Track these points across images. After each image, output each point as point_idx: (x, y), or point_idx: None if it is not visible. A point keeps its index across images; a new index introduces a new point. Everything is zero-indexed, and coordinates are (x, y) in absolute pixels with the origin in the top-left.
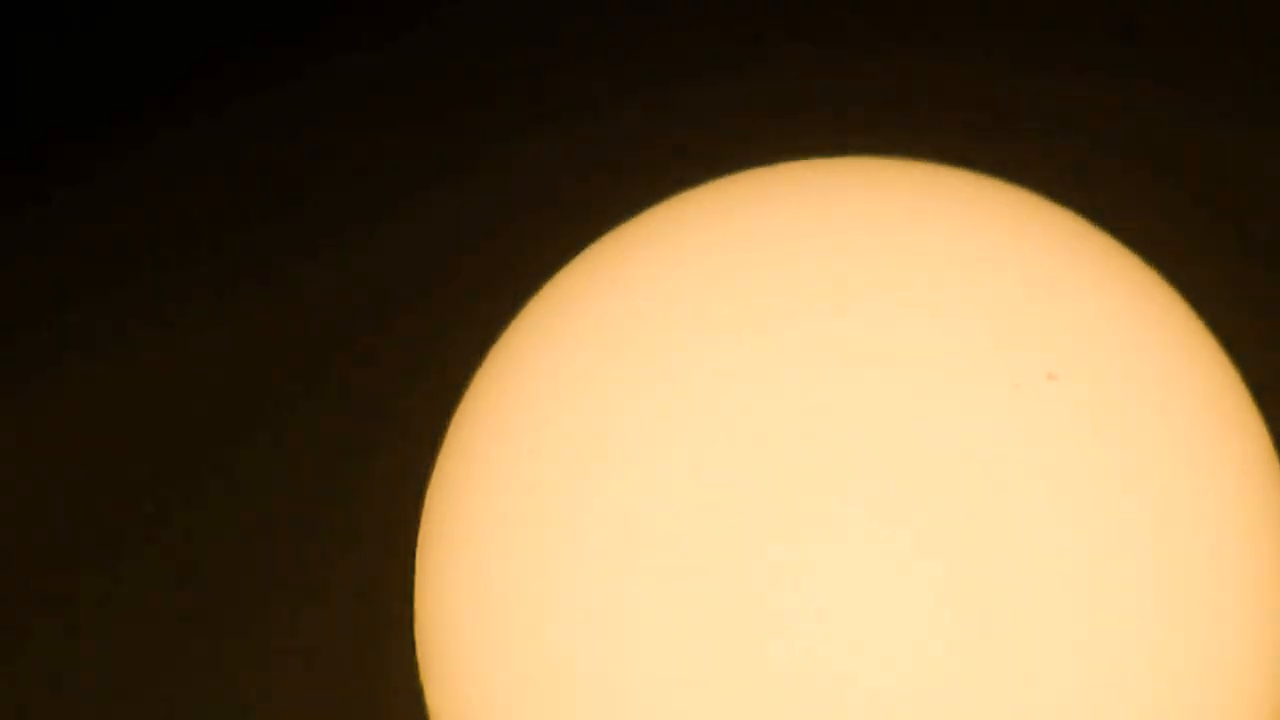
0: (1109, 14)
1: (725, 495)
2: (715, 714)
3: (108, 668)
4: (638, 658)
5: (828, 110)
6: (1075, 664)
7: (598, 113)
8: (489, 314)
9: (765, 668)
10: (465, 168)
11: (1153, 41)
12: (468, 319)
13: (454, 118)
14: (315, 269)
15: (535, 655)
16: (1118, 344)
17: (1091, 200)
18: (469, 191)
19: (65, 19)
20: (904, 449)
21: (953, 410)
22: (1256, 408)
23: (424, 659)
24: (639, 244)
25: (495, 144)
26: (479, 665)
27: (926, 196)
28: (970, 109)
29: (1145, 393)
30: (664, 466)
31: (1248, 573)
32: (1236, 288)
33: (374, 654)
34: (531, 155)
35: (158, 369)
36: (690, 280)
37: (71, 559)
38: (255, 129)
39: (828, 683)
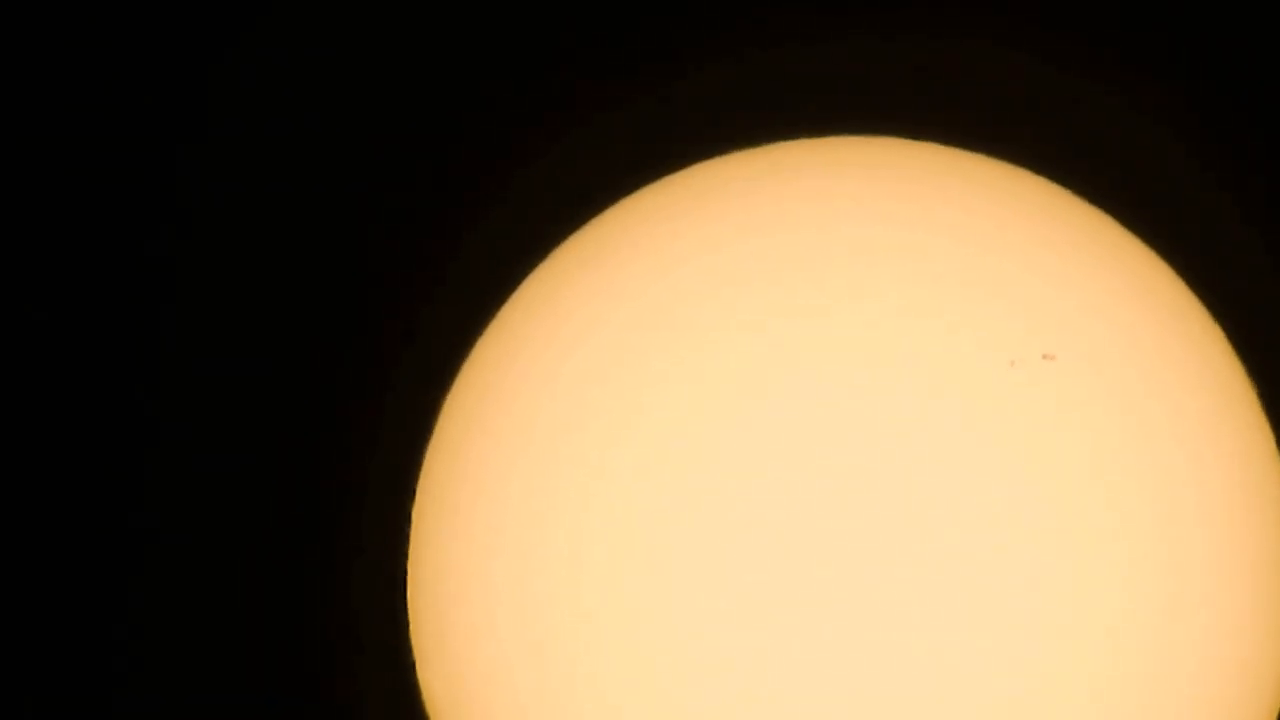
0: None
1: (721, 482)
2: (716, 712)
3: (98, 666)
4: (630, 649)
5: (826, 90)
6: (1065, 650)
7: (592, 95)
8: (475, 306)
9: (759, 658)
10: (448, 156)
11: (1157, 25)
12: (453, 311)
13: (436, 108)
14: (298, 262)
15: (527, 644)
16: (1116, 325)
17: (1094, 183)
18: (449, 182)
19: None
20: (900, 428)
21: (948, 387)
22: (1254, 392)
23: (419, 650)
24: (629, 229)
25: (479, 130)
26: (472, 655)
27: (926, 177)
28: (972, 90)
29: (1141, 374)
30: (657, 454)
31: (1244, 560)
32: (1236, 274)
33: (365, 645)
34: (516, 140)
35: (150, 366)
36: (686, 261)
37: (61, 556)
38: (240, 123)
39: (823, 667)
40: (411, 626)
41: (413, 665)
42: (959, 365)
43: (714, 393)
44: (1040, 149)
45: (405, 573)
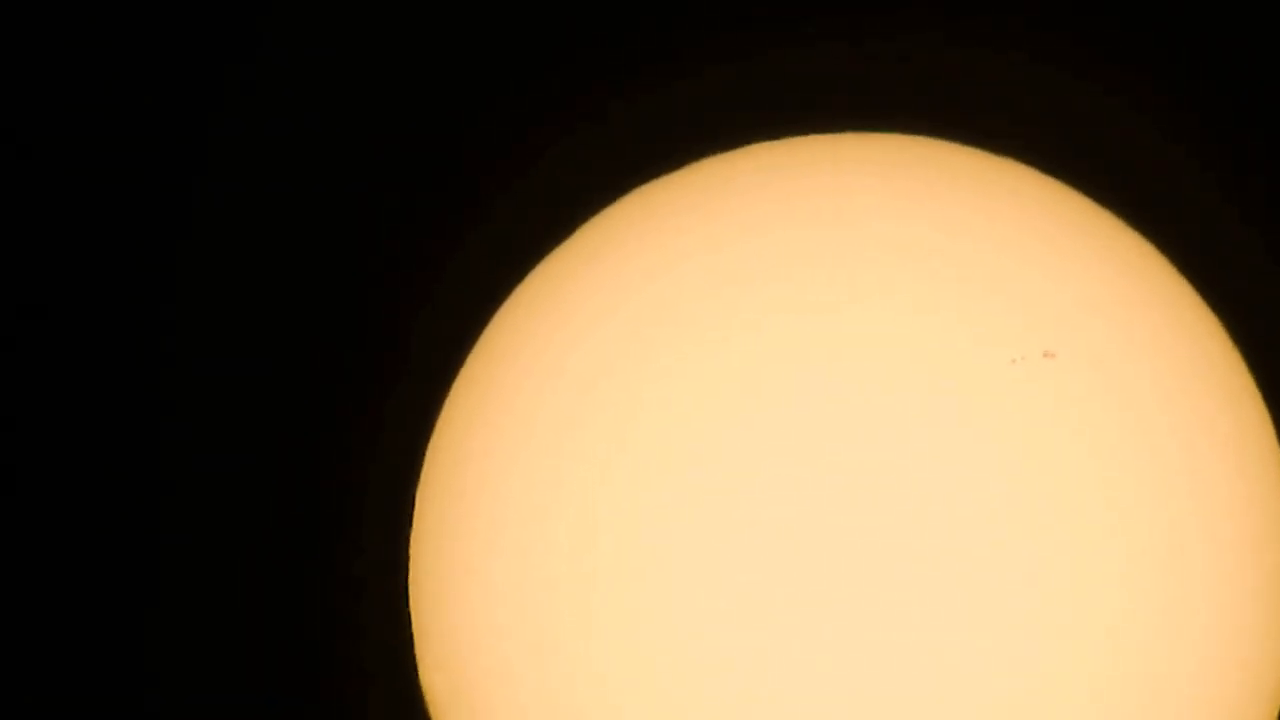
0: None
1: (722, 478)
2: (718, 710)
3: (99, 666)
4: (632, 648)
5: (828, 88)
6: (1066, 650)
7: (592, 94)
8: (474, 305)
9: (761, 654)
10: (448, 156)
11: (1158, 25)
12: (453, 311)
13: (436, 109)
14: (296, 264)
15: (529, 643)
16: (1117, 323)
17: (1096, 181)
18: (449, 182)
19: None
20: (902, 425)
21: (950, 384)
22: (1256, 389)
23: (420, 650)
24: (629, 227)
25: (479, 130)
26: (474, 654)
27: (928, 174)
28: (974, 88)
29: (1142, 372)
30: (659, 452)
31: (1246, 559)
32: (1237, 271)
33: (367, 645)
34: (516, 140)
35: (151, 366)
36: (685, 259)
37: (61, 556)
38: (245, 128)
39: (825, 665)
40: (413, 626)
41: (414, 665)
42: (960, 362)
43: (714, 390)
44: (1041, 146)
45: (406, 572)
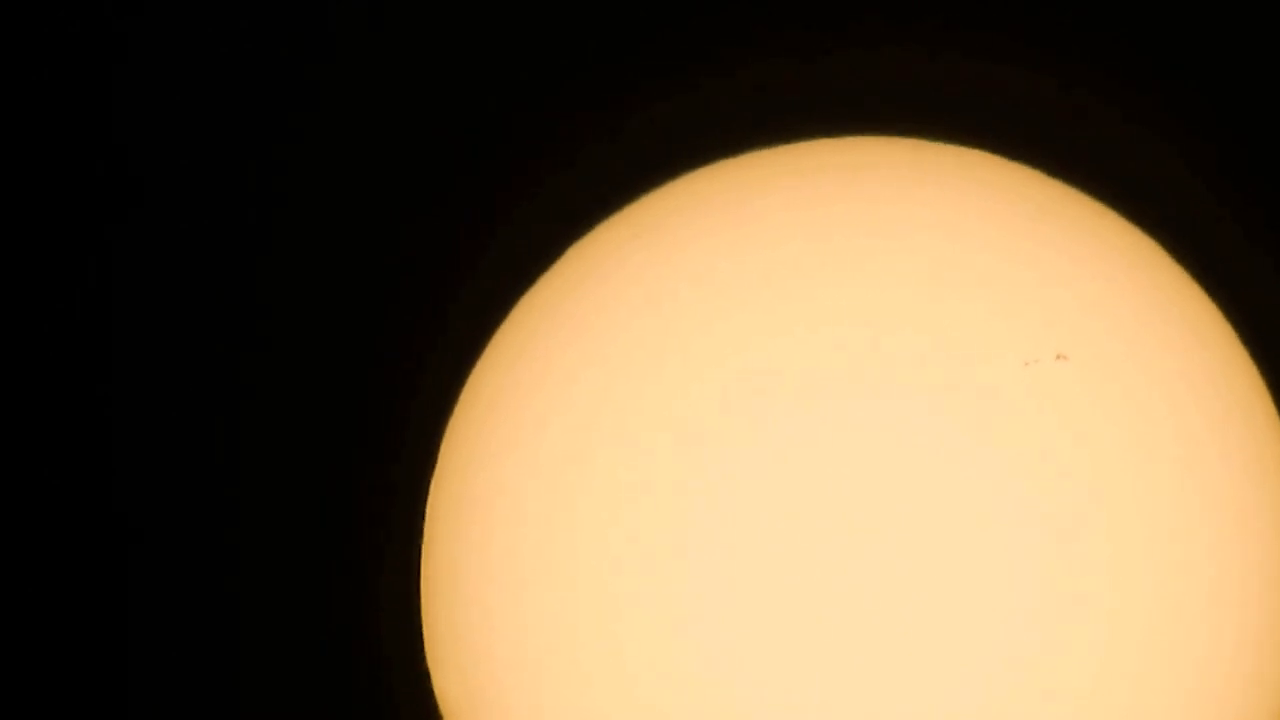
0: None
1: (738, 483)
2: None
3: (103, 668)
4: (645, 654)
5: (843, 91)
6: (1077, 649)
7: (601, 97)
8: (488, 307)
9: (779, 658)
10: (454, 161)
11: (1164, 30)
12: (466, 312)
13: (441, 111)
14: (303, 267)
15: (542, 649)
16: (1129, 326)
17: (1106, 184)
18: (458, 186)
19: None
20: (915, 428)
21: (962, 387)
22: (1268, 392)
23: (431, 649)
24: (635, 232)
25: (487, 129)
26: (488, 661)
27: (941, 178)
28: (989, 94)
29: (1155, 374)
30: (675, 459)
31: (1255, 560)
32: (1249, 274)
33: (380, 652)
34: (520, 145)
35: (158, 372)
36: (700, 263)
37: (68, 558)
38: (253, 131)
39: (844, 669)
40: (424, 632)
41: (426, 671)
42: (973, 365)
43: (727, 395)
44: (1051, 150)
45: (419, 578)
